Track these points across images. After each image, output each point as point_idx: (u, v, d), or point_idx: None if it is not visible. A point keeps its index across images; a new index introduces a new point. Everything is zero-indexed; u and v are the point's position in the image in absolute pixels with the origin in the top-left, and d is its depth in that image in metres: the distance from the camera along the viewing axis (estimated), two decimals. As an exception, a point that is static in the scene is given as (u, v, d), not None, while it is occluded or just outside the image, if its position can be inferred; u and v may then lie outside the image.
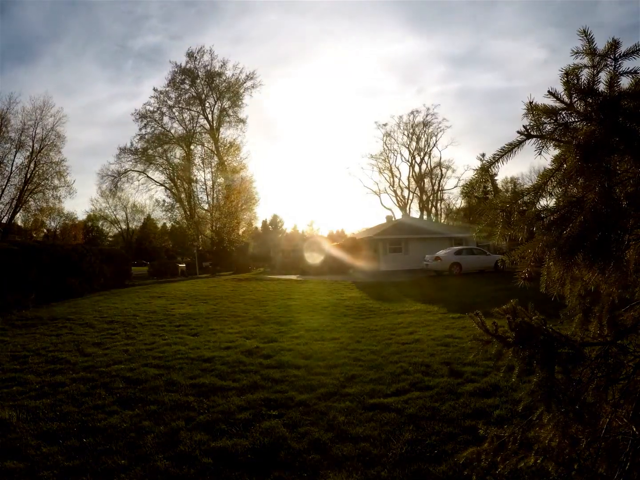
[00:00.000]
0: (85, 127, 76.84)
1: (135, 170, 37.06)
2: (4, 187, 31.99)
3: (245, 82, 37.62)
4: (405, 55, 75.63)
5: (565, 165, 1.48)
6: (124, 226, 57.33)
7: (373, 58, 77.64)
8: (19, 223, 36.89)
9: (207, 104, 37.73)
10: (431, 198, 52.36)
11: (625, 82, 1.42)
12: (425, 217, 49.70)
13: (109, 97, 76.55)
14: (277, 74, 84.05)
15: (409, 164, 51.19)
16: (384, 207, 51.69)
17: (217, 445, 3.24)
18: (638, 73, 1.41)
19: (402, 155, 53.24)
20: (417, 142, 50.03)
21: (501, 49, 70.09)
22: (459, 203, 53.40)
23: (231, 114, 38.08)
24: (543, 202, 1.56)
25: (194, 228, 35.94)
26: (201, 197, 38.28)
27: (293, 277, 22.76)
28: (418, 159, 50.73)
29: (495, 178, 1.64)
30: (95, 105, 75.58)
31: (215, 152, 37.55)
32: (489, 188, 1.74)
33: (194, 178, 37.43)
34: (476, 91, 74.83)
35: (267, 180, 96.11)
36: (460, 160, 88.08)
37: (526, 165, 48.97)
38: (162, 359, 5.77)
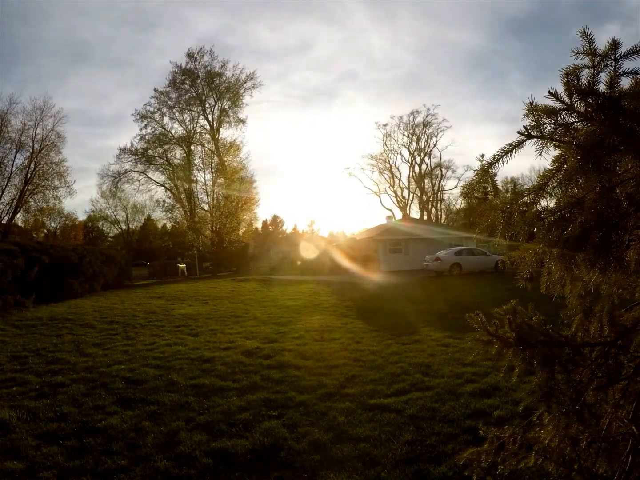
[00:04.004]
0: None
1: (136, 171, 37.04)
2: (4, 187, 31.93)
3: (245, 83, 37.64)
4: None
5: (565, 166, 1.48)
6: (124, 226, 57.15)
7: None
8: (19, 223, 36.89)
9: (207, 105, 37.69)
10: (431, 199, 52.31)
11: (625, 82, 1.42)
12: (425, 217, 49.64)
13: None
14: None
15: (409, 165, 51.12)
16: (384, 207, 51.59)
17: (217, 445, 3.24)
18: (638, 73, 1.41)
19: (402, 155, 53.06)
20: (417, 143, 50.07)
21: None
22: (459, 204, 53.40)
23: (231, 114, 38.02)
24: (543, 202, 1.56)
25: (193, 229, 35.93)
26: (201, 198, 38.30)
27: (293, 277, 22.75)
28: (418, 160, 50.74)
29: (495, 178, 1.64)
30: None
31: (216, 152, 37.52)
32: (489, 189, 1.74)
33: (194, 178, 37.45)
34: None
35: (267, 180, 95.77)
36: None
37: (527, 166, 48.86)
38: (162, 359, 5.77)
